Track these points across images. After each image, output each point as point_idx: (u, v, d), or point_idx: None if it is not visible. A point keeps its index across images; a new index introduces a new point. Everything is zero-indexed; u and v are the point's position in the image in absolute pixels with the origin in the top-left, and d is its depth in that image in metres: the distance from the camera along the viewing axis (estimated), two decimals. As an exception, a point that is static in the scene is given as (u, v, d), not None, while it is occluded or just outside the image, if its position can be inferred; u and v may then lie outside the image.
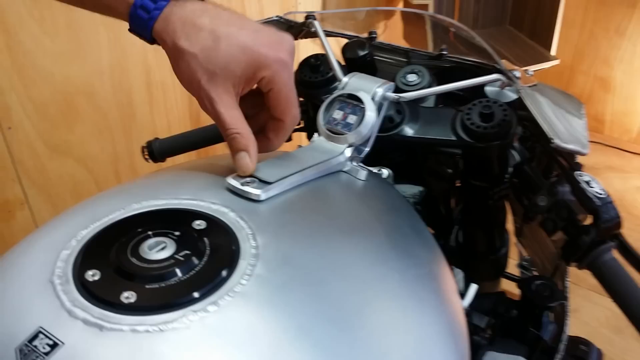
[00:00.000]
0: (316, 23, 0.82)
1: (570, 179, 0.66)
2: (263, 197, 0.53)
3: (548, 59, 2.20)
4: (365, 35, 0.91)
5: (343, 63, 0.85)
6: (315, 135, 0.67)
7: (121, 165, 1.61)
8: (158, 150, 0.92)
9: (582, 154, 0.66)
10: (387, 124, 0.71)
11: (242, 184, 0.54)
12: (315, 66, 0.80)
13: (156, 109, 1.67)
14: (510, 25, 2.51)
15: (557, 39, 2.26)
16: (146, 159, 0.93)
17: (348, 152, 0.63)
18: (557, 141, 0.62)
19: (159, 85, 1.65)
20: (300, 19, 0.88)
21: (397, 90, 0.70)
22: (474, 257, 0.88)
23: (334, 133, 0.65)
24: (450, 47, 0.98)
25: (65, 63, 1.41)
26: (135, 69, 1.58)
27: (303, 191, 0.56)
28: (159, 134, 1.75)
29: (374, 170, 0.71)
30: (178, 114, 1.74)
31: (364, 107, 0.65)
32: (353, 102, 0.66)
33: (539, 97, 0.71)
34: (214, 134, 0.93)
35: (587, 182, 0.65)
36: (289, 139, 0.98)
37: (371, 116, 0.64)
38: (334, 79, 0.78)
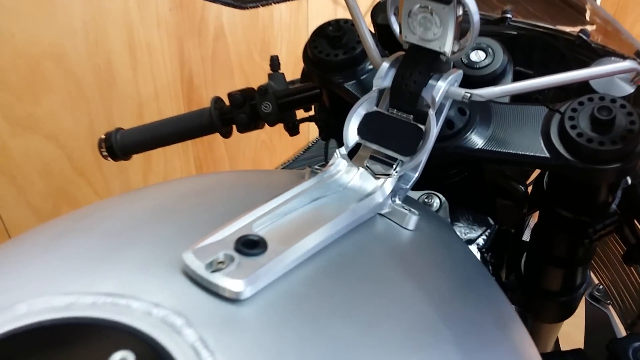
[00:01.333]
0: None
1: None
2: (247, 293, 0.30)
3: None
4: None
5: (372, 31, 0.60)
6: (337, 153, 0.43)
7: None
8: (120, 146, 0.69)
9: None
10: (444, 131, 0.48)
11: (211, 267, 0.31)
12: (335, 38, 0.55)
13: (141, 74, 1.44)
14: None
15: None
16: (104, 157, 0.70)
17: (389, 185, 0.40)
18: None
19: (143, 46, 1.41)
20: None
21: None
22: (542, 297, 0.66)
23: (369, 154, 0.41)
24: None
25: (28, 21, 1.20)
26: (115, 27, 1.35)
27: (317, 269, 0.33)
28: (145, 103, 1.51)
29: (421, 197, 0.47)
30: (167, 79, 1.51)
31: None
32: (398, 104, 0.43)
33: None
34: (193, 126, 0.69)
35: None
36: (296, 132, 0.74)
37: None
38: (364, 56, 0.54)
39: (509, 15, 0.67)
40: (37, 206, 1.33)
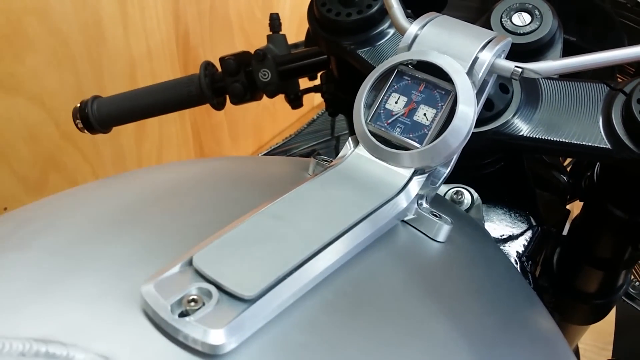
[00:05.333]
0: None
1: None
2: (229, 345, 0.22)
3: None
4: None
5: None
6: (349, 142, 0.35)
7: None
8: (97, 117, 0.60)
9: None
10: (482, 113, 0.39)
11: (179, 308, 0.23)
12: None
13: (132, 31, 1.34)
14: None
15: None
16: (80, 129, 0.61)
17: (415, 186, 0.31)
18: None
19: (135, 0, 1.30)
20: None
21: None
22: (575, 298, 0.58)
23: (389, 143, 0.33)
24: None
25: (5, -29, 1.09)
26: (103, -21, 1.24)
27: (324, 306, 0.25)
28: (137, 62, 1.41)
29: (448, 192, 0.39)
30: (161, 36, 1.41)
31: (453, 92, 0.32)
32: (429, 78, 0.33)
33: None
34: (180, 95, 0.60)
35: None
36: (299, 105, 0.65)
37: (467, 113, 0.32)
38: (382, 16, 0.45)
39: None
40: (23, 174, 1.25)
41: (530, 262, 0.42)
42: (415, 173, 0.33)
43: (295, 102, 0.63)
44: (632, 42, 0.56)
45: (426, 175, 0.34)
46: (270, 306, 0.24)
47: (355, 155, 0.34)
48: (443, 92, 0.34)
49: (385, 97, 0.35)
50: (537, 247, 0.44)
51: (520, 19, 0.45)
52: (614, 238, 0.49)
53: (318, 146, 0.76)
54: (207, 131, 1.61)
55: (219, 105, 0.61)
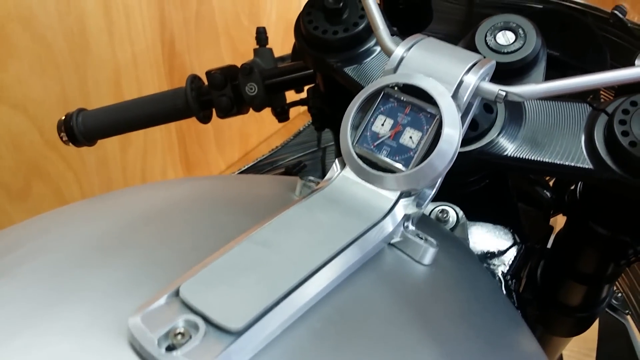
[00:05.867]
0: None
1: None
2: None
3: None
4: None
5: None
6: (336, 164, 0.35)
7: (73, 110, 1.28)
8: (82, 130, 0.59)
9: None
10: (467, 132, 0.39)
11: (165, 341, 0.23)
12: (334, 11, 0.46)
13: (117, 38, 1.33)
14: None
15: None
16: (65, 142, 0.60)
17: (400, 210, 0.31)
18: None
19: (120, 7, 1.30)
20: None
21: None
22: (559, 311, 0.58)
23: (375, 166, 0.33)
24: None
25: (-12, -22, 1.09)
26: (88, -14, 1.23)
27: (312, 335, 0.25)
28: (122, 69, 1.40)
29: (434, 211, 0.39)
30: (147, 43, 1.40)
31: (438, 115, 0.32)
32: (415, 101, 0.34)
33: None
34: (166, 108, 0.59)
35: None
36: (286, 118, 0.65)
37: (453, 136, 0.32)
38: (368, 34, 0.45)
39: (534, -15, 0.57)
40: (7, 182, 1.24)
41: (514, 280, 0.43)
42: (401, 196, 0.33)
43: (281, 115, 0.63)
44: (614, 56, 0.57)
45: (412, 197, 0.34)
46: (258, 338, 0.24)
47: (342, 178, 0.34)
48: (428, 115, 0.34)
49: (372, 119, 0.35)
50: (521, 265, 0.44)
51: (505, 38, 0.45)
52: (596, 254, 0.49)
53: (304, 157, 0.77)
54: (193, 138, 1.60)
55: (205, 119, 0.61)
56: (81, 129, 0.61)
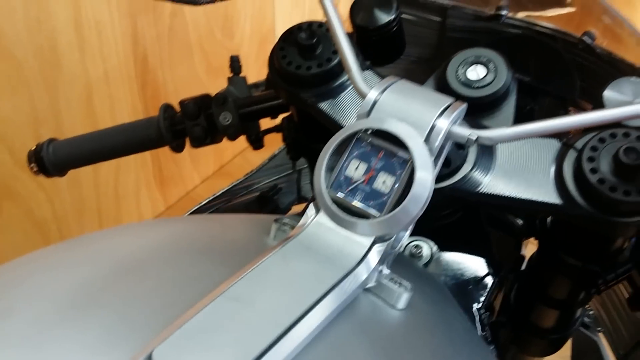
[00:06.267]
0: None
1: None
2: None
3: (563, 4, 1.84)
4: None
5: (350, 30, 0.51)
6: (310, 208, 0.35)
7: (44, 129, 1.27)
8: (53, 160, 0.58)
9: None
10: (440, 170, 0.39)
11: None
12: (307, 47, 0.46)
13: (89, 55, 1.31)
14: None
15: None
16: (35, 173, 0.59)
17: (374, 256, 0.32)
18: None
19: (91, 23, 1.29)
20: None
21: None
22: (532, 333, 0.59)
23: (349, 211, 0.33)
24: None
25: (-46, -4, 1.06)
26: (59, 4, 1.22)
27: None
28: (94, 86, 1.38)
29: (408, 246, 0.40)
30: (119, 60, 1.38)
31: (411, 160, 0.32)
32: (388, 146, 0.34)
33: None
34: (139, 137, 0.59)
35: None
36: (260, 146, 0.65)
37: (425, 180, 0.32)
38: (342, 69, 0.45)
39: (504, 12, 0.58)
40: (-25, 204, 1.21)
41: (487, 312, 0.43)
42: (375, 241, 0.33)
43: (256, 142, 0.63)
44: (584, 80, 0.58)
45: (386, 242, 0.34)
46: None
47: (316, 224, 0.34)
48: (401, 160, 0.34)
49: (346, 164, 0.35)
50: (494, 295, 0.45)
51: (476, 72, 0.46)
52: (567, 282, 0.50)
53: (280, 180, 0.77)
54: (166, 152, 1.58)
55: (178, 148, 0.61)
56: (52, 160, 0.60)
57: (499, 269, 0.47)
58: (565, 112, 0.62)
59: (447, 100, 0.36)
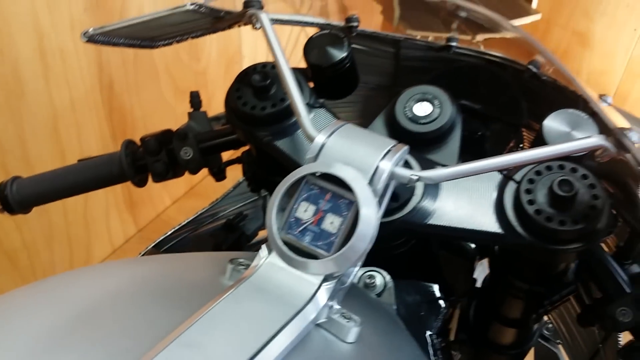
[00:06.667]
0: (263, 16, 0.49)
1: None
2: None
3: (529, 12, 1.91)
4: (340, 22, 0.59)
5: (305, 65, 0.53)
6: (263, 248, 0.36)
7: (9, 158, 1.26)
8: (17, 198, 0.59)
9: None
10: (388, 204, 0.41)
11: None
12: (261, 89, 0.48)
13: (54, 83, 1.31)
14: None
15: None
16: (-1, 212, 0.60)
17: (323, 294, 0.34)
18: None
19: (55, 52, 1.29)
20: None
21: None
22: (491, 350, 0.61)
23: (300, 251, 0.35)
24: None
25: None
26: (22, 34, 1.22)
27: None
28: (60, 114, 1.38)
29: (362, 277, 0.41)
30: (84, 87, 1.39)
31: (355, 202, 0.34)
32: (334, 189, 0.36)
33: None
34: (101, 174, 0.60)
35: None
36: (223, 178, 0.66)
37: (370, 218, 0.34)
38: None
39: (454, 44, 0.61)
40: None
41: (440, 338, 0.45)
42: (325, 279, 0.35)
43: (218, 175, 0.64)
44: (531, 101, 0.61)
45: (335, 280, 0.36)
46: None
47: (268, 264, 0.36)
48: (347, 202, 0.36)
49: (296, 206, 0.37)
50: (448, 320, 0.47)
51: (422, 109, 0.48)
52: (517, 302, 0.53)
53: (245, 207, 0.78)
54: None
55: (140, 183, 0.62)
56: (16, 198, 0.60)
57: (451, 293, 0.49)
58: (515, 136, 0.65)
59: (390, 143, 0.38)
